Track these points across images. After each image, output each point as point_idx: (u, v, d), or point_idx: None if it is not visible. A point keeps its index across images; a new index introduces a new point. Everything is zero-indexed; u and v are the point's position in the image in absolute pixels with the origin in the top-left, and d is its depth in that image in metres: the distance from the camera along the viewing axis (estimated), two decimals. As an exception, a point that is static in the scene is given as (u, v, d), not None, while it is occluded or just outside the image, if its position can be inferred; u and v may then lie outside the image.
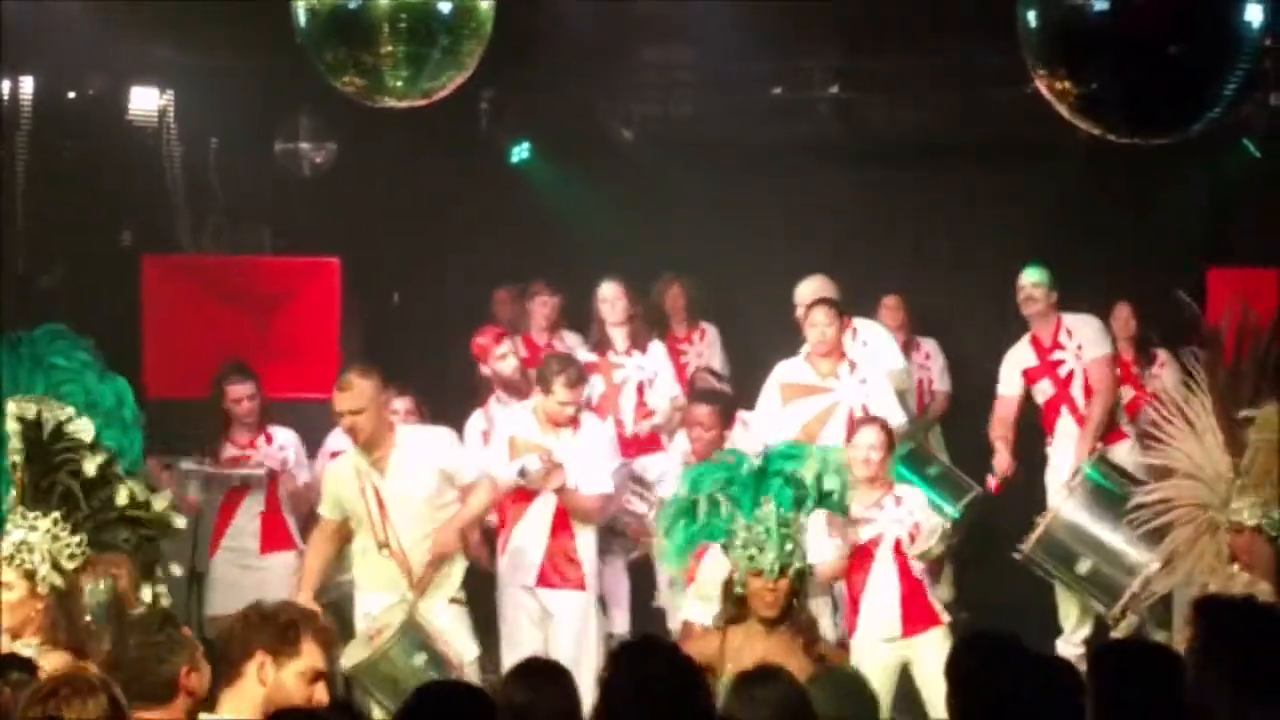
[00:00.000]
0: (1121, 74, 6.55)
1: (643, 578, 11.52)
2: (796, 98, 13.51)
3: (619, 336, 11.77)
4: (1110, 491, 10.24)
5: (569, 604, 9.92)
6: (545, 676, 5.79)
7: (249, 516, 10.66)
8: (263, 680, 5.47)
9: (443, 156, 13.57)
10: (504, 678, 6.03)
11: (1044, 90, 6.85)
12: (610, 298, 11.79)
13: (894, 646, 9.33)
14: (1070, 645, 10.92)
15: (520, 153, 14.35)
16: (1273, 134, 12.59)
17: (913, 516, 9.46)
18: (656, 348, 11.90)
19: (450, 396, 11.81)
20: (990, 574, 11.34)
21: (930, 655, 9.17)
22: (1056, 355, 11.47)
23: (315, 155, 13.53)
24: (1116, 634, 10.25)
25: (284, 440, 10.86)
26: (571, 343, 12.26)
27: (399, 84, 7.93)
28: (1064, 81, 6.68)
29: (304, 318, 12.10)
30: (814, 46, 13.17)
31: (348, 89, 8.08)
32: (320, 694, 5.57)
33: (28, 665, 6.22)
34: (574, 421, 10.05)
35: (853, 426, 10.32)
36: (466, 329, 13.50)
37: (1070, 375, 11.43)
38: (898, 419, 10.51)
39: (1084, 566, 10.20)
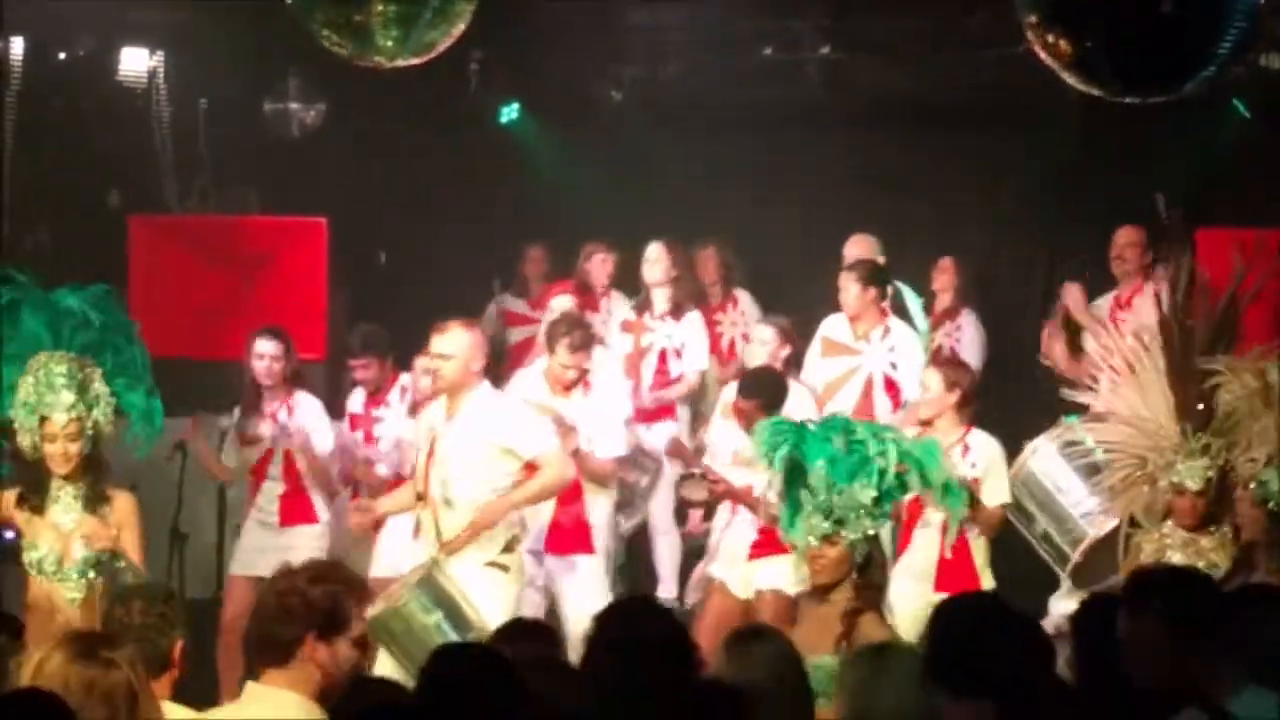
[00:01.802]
0: (1116, 32, 6.56)
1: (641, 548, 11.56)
2: (786, 59, 13.49)
3: (660, 298, 11.74)
4: (1082, 448, 10.21)
5: (577, 568, 9.77)
6: (532, 635, 5.80)
7: (272, 490, 10.60)
8: (318, 662, 5.47)
9: (432, 117, 13.55)
10: (489, 639, 6.03)
11: (1038, 49, 6.85)
12: (651, 259, 11.75)
13: (926, 597, 9.20)
14: (1065, 604, 10.90)
15: (509, 113, 14.34)
16: (1263, 95, 12.59)
17: (974, 470, 9.42)
18: (693, 317, 11.84)
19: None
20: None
21: None
22: (1123, 315, 11.40)
23: (305, 116, 13.51)
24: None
25: (305, 410, 10.70)
26: (620, 303, 12.22)
27: (389, 44, 7.91)
28: (1059, 40, 6.68)
29: (290, 278, 12.05)
30: (804, 7, 13.16)
31: (338, 49, 8.07)
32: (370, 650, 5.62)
33: (13, 626, 6.23)
34: (583, 384, 9.91)
35: (869, 393, 10.34)
36: (455, 289, 13.56)
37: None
38: (918, 392, 10.44)
39: (1038, 527, 10.17)
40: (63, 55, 12.40)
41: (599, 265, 12.39)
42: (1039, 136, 13.35)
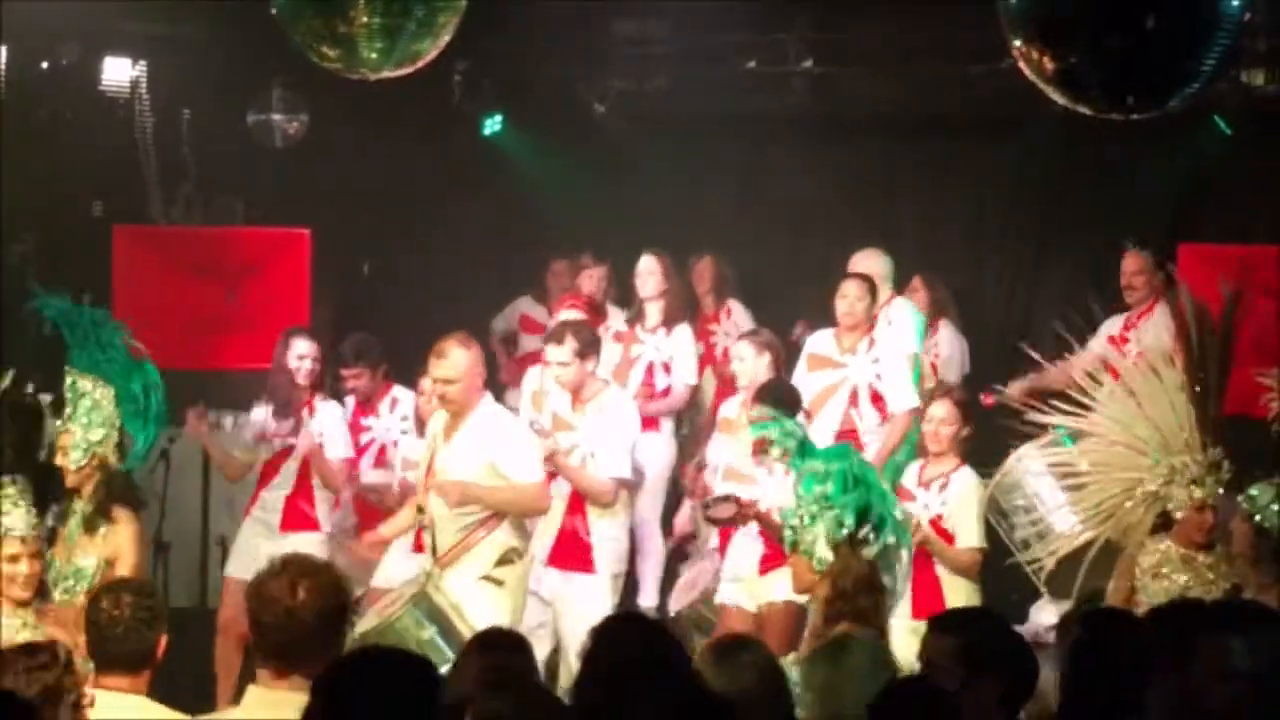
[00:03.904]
0: (1100, 49, 6.57)
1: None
2: (771, 72, 13.50)
3: (652, 311, 11.75)
4: (1067, 468, 10.18)
5: (574, 586, 9.70)
6: (502, 646, 5.80)
7: (278, 492, 10.64)
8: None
9: (415, 129, 13.55)
10: (462, 649, 6.03)
11: (1022, 65, 6.85)
12: (643, 271, 11.76)
13: (903, 625, 9.22)
14: (1045, 614, 10.91)
15: (493, 125, 14.33)
16: (1244, 111, 12.63)
17: (946, 505, 9.45)
18: (682, 331, 11.82)
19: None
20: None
21: None
22: (1132, 334, 11.43)
23: (288, 127, 13.49)
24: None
25: (325, 415, 10.72)
26: (616, 316, 12.20)
27: (374, 55, 7.91)
28: (1042, 56, 6.69)
29: (274, 289, 12.07)
30: (788, 21, 13.17)
31: (322, 60, 8.07)
32: None
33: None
34: (590, 390, 9.83)
35: (854, 406, 10.35)
36: (438, 300, 13.55)
37: (1127, 355, 11.36)
38: (907, 403, 10.49)
39: (1019, 534, 10.14)
40: (45, 64, 12.36)
41: (588, 279, 12.41)
42: (1023, 149, 13.39)
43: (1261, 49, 12.07)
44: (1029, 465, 10.16)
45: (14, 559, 7.36)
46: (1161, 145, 12.44)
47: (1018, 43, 6.80)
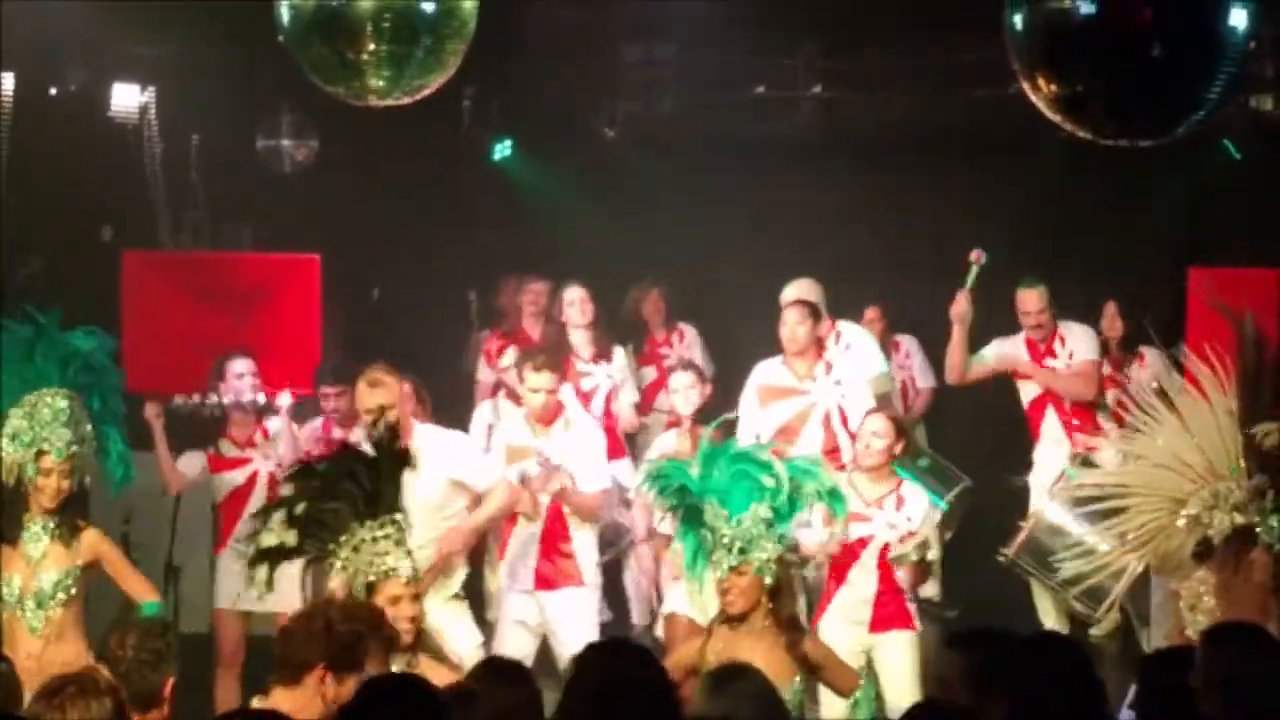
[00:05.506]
0: (1107, 77, 6.57)
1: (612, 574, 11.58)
2: (779, 96, 13.52)
3: (583, 342, 11.73)
4: (1089, 497, 10.16)
5: (569, 602, 9.77)
6: (505, 675, 5.80)
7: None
8: (323, 694, 5.51)
9: (425, 154, 13.56)
10: (468, 677, 6.05)
11: (1029, 92, 6.85)
12: (578, 300, 11.72)
13: (859, 639, 9.34)
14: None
15: (502, 150, 14.37)
16: (1252, 135, 12.63)
17: (910, 524, 9.45)
18: (619, 355, 11.90)
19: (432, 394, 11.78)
20: (974, 572, 11.32)
21: (894, 655, 9.38)
22: (1049, 362, 11.42)
23: (297, 152, 13.52)
24: (1097, 631, 10.27)
25: (274, 430, 10.73)
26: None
27: (382, 83, 7.93)
28: (1050, 83, 6.69)
29: (284, 314, 12.02)
30: (796, 46, 13.19)
31: (331, 88, 8.09)
32: None
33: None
34: (557, 414, 9.85)
35: (829, 428, 10.34)
36: (448, 325, 13.55)
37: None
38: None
39: (1068, 570, 10.11)
40: (54, 91, 12.37)
41: (530, 296, 12.49)
42: (1031, 173, 13.38)
43: (1270, 74, 12.09)
44: (1056, 509, 10.16)
45: (395, 601, 7.30)
46: (1171, 169, 12.45)
47: (1023, 69, 6.80)
